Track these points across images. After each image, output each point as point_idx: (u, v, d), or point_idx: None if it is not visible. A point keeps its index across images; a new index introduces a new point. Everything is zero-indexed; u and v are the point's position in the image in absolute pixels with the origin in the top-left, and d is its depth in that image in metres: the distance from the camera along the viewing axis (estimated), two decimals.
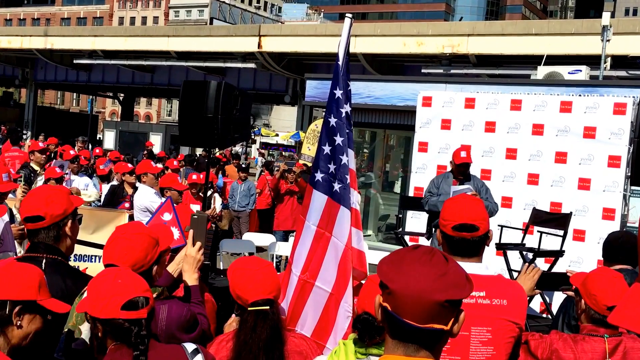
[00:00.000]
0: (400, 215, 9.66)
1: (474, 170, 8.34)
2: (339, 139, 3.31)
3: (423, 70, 23.55)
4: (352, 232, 3.28)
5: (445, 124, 9.57)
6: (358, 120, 12.73)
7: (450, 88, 10.86)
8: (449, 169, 7.94)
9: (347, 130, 3.42)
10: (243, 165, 14.34)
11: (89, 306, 2.24)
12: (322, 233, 3.27)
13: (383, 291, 1.66)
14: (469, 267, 2.77)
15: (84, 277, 2.84)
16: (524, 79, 15.55)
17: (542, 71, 12.36)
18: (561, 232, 7.91)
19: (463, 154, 7.49)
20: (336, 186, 3.26)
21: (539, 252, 7.85)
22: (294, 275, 3.30)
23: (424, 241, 8.11)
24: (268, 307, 2.73)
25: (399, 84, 12.21)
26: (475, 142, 9.28)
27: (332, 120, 3.37)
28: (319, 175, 3.34)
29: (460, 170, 7.46)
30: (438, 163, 9.47)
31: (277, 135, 45.26)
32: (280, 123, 59.99)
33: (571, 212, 8.05)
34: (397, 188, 14.90)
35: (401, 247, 9.41)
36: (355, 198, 3.38)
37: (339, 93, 3.39)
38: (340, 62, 3.43)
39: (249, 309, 2.74)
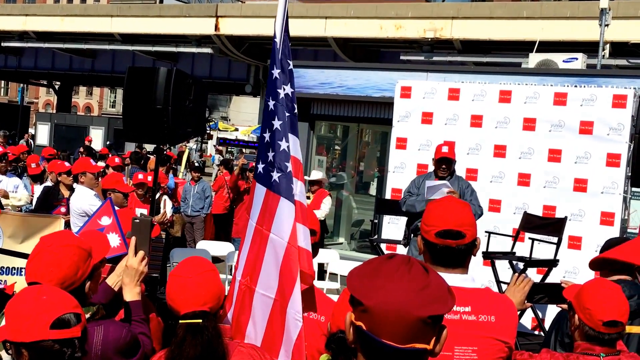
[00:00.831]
0: (376, 221, 9.68)
1: (459, 170, 8.39)
2: (277, 123, 3.32)
3: (402, 57, 23.66)
4: (299, 229, 3.27)
5: (427, 118, 9.62)
6: (328, 113, 12.75)
7: (432, 77, 10.92)
8: (430, 168, 7.99)
9: (289, 114, 3.43)
10: (197, 164, 14.24)
11: (10, 331, 2.16)
12: (260, 230, 3.27)
13: (355, 308, 1.64)
14: (454, 279, 2.77)
15: (2, 297, 2.77)
16: (514, 67, 15.72)
17: (534, 59, 12.50)
18: (555, 239, 8.01)
19: (444, 148, 7.54)
20: (275, 175, 3.26)
21: (530, 262, 7.93)
22: (237, 280, 3.30)
23: (402, 249, 8.14)
24: (200, 321, 2.70)
25: (375, 72, 12.25)
26: (460, 138, 9.35)
27: (271, 104, 3.38)
28: (260, 166, 3.35)
29: (441, 167, 7.51)
30: (418, 161, 9.52)
31: (236, 129, 45.09)
32: (241, 116, 59.83)
33: (566, 217, 8.16)
34: (373, 190, 14.94)
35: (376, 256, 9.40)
36: (300, 189, 3.38)
37: (276, 73, 3.40)
38: (277, 40, 3.43)
39: (180, 322, 2.72)
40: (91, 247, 2.82)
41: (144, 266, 3.21)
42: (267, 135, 3.37)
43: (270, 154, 3.30)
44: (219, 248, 10.49)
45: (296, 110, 3.56)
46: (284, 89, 3.46)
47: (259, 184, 3.35)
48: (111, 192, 7.41)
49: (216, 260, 10.84)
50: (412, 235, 7.61)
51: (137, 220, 3.33)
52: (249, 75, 31.04)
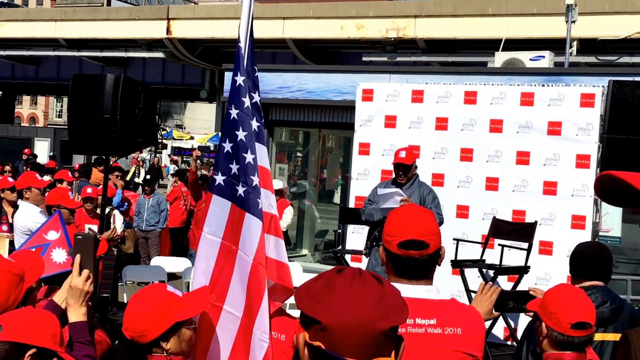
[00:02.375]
0: (340, 231, 9.70)
1: (424, 175, 8.44)
2: (241, 134, 3.32)
3: (364, 59, 23.78)
4: (270, 241, 3.27)
5: (390, 122, 9.68)
6: (288, 119, 12.75)
7: (394, 79, 10.99)
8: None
9: (258, 124, 3.42)
10: (148, 177, 14.10)
11: None
12: (229, 247, 3.26)
13: (309, 327, 1.64)
14: (418, 290, 2.79)
15: None
16: (480, 67, 15.91)
17: (500, 58, 12.65)
18: (526, 245, 8.10)
19: (402, 154, 7.59)
20: (240, 190, 3.25)
21: (500, 269, 8.01)
22: None
23: (365, 260, 8.15)
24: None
25: (336, 74, 12.29)
26: (425, 142, 9.42)
27: (234, 112, 3.37)
28: (219, 178, 3.33)
29: (398, 173, 7.55)
30: (382, 167, 9.56)
31: (192, 138, 44.82)
32: (196, 123, 59.49)
33: (536, 222, 8.26)
34: (337, 198, 14.98)
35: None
36: (271, 201, 3.38)
37: (240, 80, 3.39)
38: (241, 44, 3.43)
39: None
40: (24, 270, 2.78)
41: (89, 285, 3.18)
42: (227, 146, 3.35)
43: (234, 167, 3.29)
44: (175, 264, 10.42)
45: (262, 121, 3.56)
46: (252, 97, 3.45)
47: (218, 196, 3.33)
48: (55, 209, 7.28)
49: (172, 276, 10.75)
50: (373, 245, 7.64)
51: (80, 237, 3.28)
52: (204, 80, 30.92)
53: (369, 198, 7.84)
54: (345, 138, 14.26)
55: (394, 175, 7.85)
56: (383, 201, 7.20)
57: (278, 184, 11.20)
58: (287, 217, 11.09)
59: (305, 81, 12.35)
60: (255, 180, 3.24)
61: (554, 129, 8.80)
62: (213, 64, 28.31)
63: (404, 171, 7.56)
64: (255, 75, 3.55)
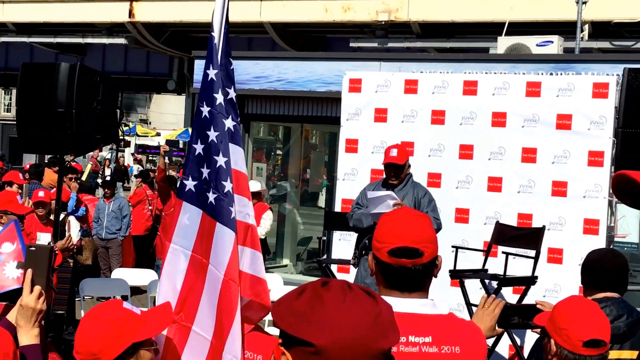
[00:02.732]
0: (325, 238, 9.70)
1: (419, 175, 8.46)
2: (212, 134, 3.31)
3: (352, 45, 23.80)
4: (245, 254, 3.26)
5: (380, 115, 9.69)
6: (266, 112, 12.73)
7: (386, 67, 11.00)
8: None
9: (234, 122, 3.41)
10: (108, 178, 14.05)
11: None
12: (200, 260, 3.25)
13: (293, 348, 1.62)
14: (411, 304, 2.79)
15: None
16: (481, 53, 15.96)
17: (503, 43, 12.68)
18: (533, 253, 8.12)
19: (393, 152, 7.59)
20: (211, 197, 3.25)
21: (505, 280, 8.03)
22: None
23: (353, 271, 8.15)
24: None
25: (320, 62, 12.28)
26: (420, 138, 9.44)
27: (205, 110, 3.35)
28: (190, 183, 3.32)
29: (389, 173, 7.55)
30: (372, 166, 9.57)
31: (158, 134, 44.65)
32: (163, 118, 59.32)
33: (544, 226, 8.28)
34: (322, 201, 14.96)
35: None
36: (247, 210, 3.37)
37: (212, 74, 3.38)
38: (215, 34, 3.41)
39: None
40: None
41: (41, 303, 3.15)
42: (198, 147, 3.34)
43: (205, 171, 3.27)
44: (139, 276, 10.37)
45: (238, 118, 3.55)
46: (226, 93, 3.44)
47: (188, 203, 3.32)
48: (2, 215, 7.21)
49: (137, 290, 10.72)
50: (362, 254, 7.64)
51: (33, 249, 3.25)
52: (172, 69, 30.83)
53: (357, 201, 7.84)
54: (330, 134, 14.24)
55: (384, 176, 7.85)
56: (373, 205, 7.21)
57: (255, 185, 11.18)
58: (266, 222, 11.08)
59: (286, 70, 12.33)
60: (228, 186, 3.23)
61: (564, 122, 8.84)
62: (182, 51, 28.21)
63: (395, 172, 7.57)
64: (231, 68, 3.54)
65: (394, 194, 7.27)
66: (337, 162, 10.20)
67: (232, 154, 3.39)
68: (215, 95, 3.36)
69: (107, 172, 24.80)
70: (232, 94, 3.47)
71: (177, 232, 3.35)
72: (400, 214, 2.94)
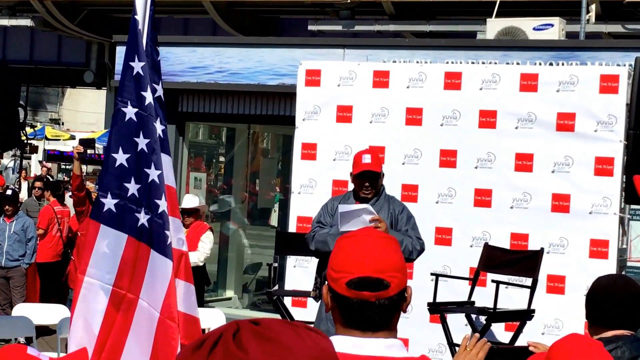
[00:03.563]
0: (276, 264, 9.67)
1: (391, 187, 8.45)
2: (142, 142, 3.28)
3: (310, 28, 23.80)
4: (179, 289, 3.23)
5: (344, 114, 9.70)
6: (204, 111, 12.68)
7: (351, 55, 11.00)
8: (351, 186, 8.01)
9: (163, 127, 3.39)
10: (9, 192, 13.82)
11: None
12: (123, 295, 3.21)
13: None
14: (375, 345, 2.78)
15: None
16: (466, 39, 16.03)
17: (493, 27, 12.74)
18: (529, 281, 8.15)
19: (366, 158, 7.56)
20: (142, 218, 3.21)
21: (495, 314, 8.06)
22: None
23: (313, 305, 8.13)
24: None
25: (271, 49, 12.27)
26: (392, 142, 9.46)
27: (130, 111, 3.33)
28: (108, 202, 3.28)
29: (363, 184, 7.53)
30: (334, 177, 9.56)
31: (72, 137, 44.24)
32: (79, 117, 58.88)
33: (542, 249, 8.34)
34: (274, 219, 14.91)
35: (278, 315, 9.40)
36: (179, 233, 3.34)
37: (138, 67, 3.35)
38: (138, 16, 3.39)
39: None
40: None
41: None
42: (121, 157, 3.30)
43: (132, 186, 3.24)
44: (47, 313, 10.22)
45: (166, 121, 3.52)
46: (154, 90, 3.41)
47: (107, 227, 3.27)
48: None
49: (44, 331, 10.58)
50: (326, 283, 7.60)
51: None
52: (89, 57, 30.63)
53: (319, 219, 7.79)
54: (284, 137, 14.22)
55: (351, 188, 7.82)
56: (346, 221, 7.15)
57: (192, 200, 11.12)
58: (205, 246, 11.00)
59: (229, 59, 12.29)
60: (162, 205, 3.21)
61: (565, 122, 8.90)
62: (101, 35, 28.02)
63: (371, 182, 7.55)
64: (158, 58, 3.52)
65: (371, 208, 7.25)
66: (291, 172, 10.17)
67: (164, 165, 3.37)
68: (143, 93, 3.33)
69: (24, 185, 24.39)
70: (159, 90, 3.45)
71: (94, 263, 3.31)
72: (360, 236, 2.93)
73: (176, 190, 3.56)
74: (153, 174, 3.23)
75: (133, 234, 3.22)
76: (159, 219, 3.18)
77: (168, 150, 3.50)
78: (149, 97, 3.33)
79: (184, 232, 3.49)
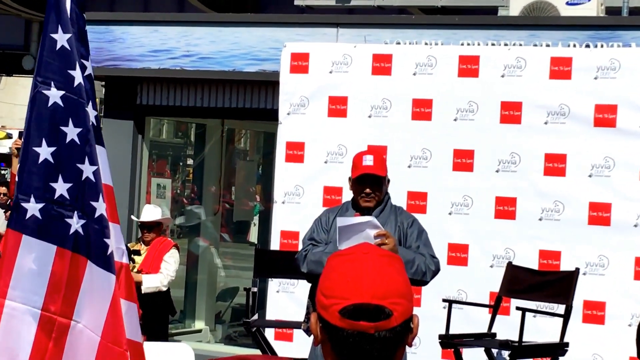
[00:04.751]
0: (255, 289, 9.64)
1: (396, 195, 8.44)
2: (72, 131, 3.26)
3: (297, 3, 23.81)
4: (121, 308, 3.22)
5: (337, 107, 9.71)
6: (168, 103, 12.67)
7: (346, 36, 10.97)
8: (347, 195, 7.99)
9: (95, 112, 3.38)
10: None
11: None
12: (54, 320, 3.20)
13: None
14: None
15: None
16: (485, 16, 16.02)
17: (518, 2, 12.78)
18: (561, 309, 8.14)
19: (368, 159, 7.52)
20: (75, 224, 3.19)
21: (521, 349, 8.05)
22: None
23: (299, 338, 8.10)
24: None
25: (249, 28, 12.25)
26: (395, 141, 9.48)
27: (55, 95, 3.31)
28: (31, 206, 3.26)
29: (363, 191, 7.52)
30: (326, 183, 9.57)
31: (9, 136, 44.19)
32: (17, 111, 58.66)
33: (577, 270, 8.33)
34: (253, 235, 14.89)
35: (258, 351, 9.36)
36: (119, 242, 3.33)
37: (64, 39, 3.33)
38: None
39: None
40: None
41: None
42: (45, 151, 3.28)
43: (61, 186, 3.22)
44: None
45: (97, 105, 3.50)
46: (84, 68, 3.39)
47: (32, 237, 3.25)
48: None
49: None
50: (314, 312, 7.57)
51: None
52: (29, 39, 30.61)
53: (312, 235, 7.77)
54: (265, 135, 14.22)
55: (346, 198, 7.82)
56: (345, 238, 7.12)
57: (154, 212, 11.10)
58: (170, 267, 10.97)
59: (198, 40, 12.28)
60: (100, 207, 3.20)
61: (605, 117, 8.92)
62: (43, 11, 28.05)
63: (374, 187, 7.53)
64: (84, 29, 3.50)
65: (376, 221, 7.22)
66: (274, 177, 10.16)
67: (99, 160, 3.35)
68: (71, 72, 3.32)
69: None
70: (89, 67, 3.43)
71: (16, 282, 3.29)
72: (357, 253, 2.91)
73: (113, 189, 3.53)
74: (87, 170, 3.23)
75: (65, 244, 3.20)
76: (96, 225, 3.16)
77: (102, 140, 3.48)
78: (78, 76, 3.32)
79: (123, 240, 3.46)
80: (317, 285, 7.68)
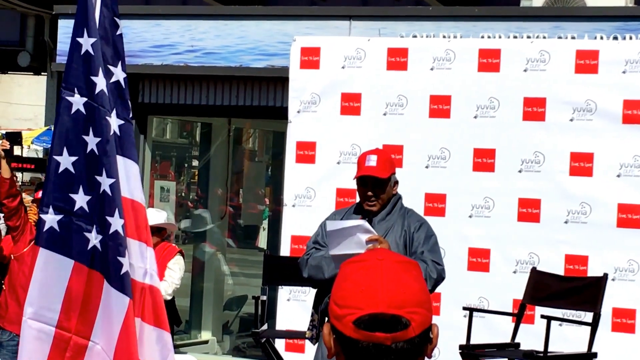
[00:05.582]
0: (265, 298, 9.65)
1: (411, 196, 8.42)
2: (92, 141, 3.25)
3: None
4: (144, 334, 3.21)
5: (350, 104, 9.70)
6: (172, 102, 12.68)
7: (358, 28, 10.98)
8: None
9: (122, 121, 3.37)
10: None
11: None
12: (68, 339, 3.19)
13: None
14: None
15: None
16: (506, 7, 16.02)
17: None
18: (589, 316, 8.12)
19: (371, 160, 7.51)
20: (93, 239, 3.18)
21: (545, 359, 8.03)
22: None
23: (310, 349, 8.10)
24: None
25: (256, 22, 12.27)
26: (412, 140, 9.48)
27: (77, 101, 3.31)
28: (50, 218, 3.26)
29: (365, 193, 7.51)
30: (338, 185, 9.56)
31: (3, 136, 44.43)
32: (13, 111, 58.90)
33: (606, 275, 8.28)
34: (262, 239, 14.90)
35: None
36: (146, 263, 3.32)
37: (88, 44, 3.33)
38: None
39: None
40: None
41: None
42: (66, 161, 3.28)
43: (81, 198, 3.22)
44: None
45: (131, 114, 3.49)
46: (109, 74, 3.38)
47: (49, 251, 3.25)
48: None
49: None
50: (325, 321, 7.58)
51: None
52: (25, 35, 30.70)
53: (316, 239, 7.79)
54: (275, 134, 14.23)
55: (358, 199, 7.82)
56: (336, 243, 7.14)
57: (157, 216, 11.09)
58: (174, 275, 10.98)
59: (203, 35, 12.31)
60: (116, 223, 3.18)
61: (634, 113, 8.91)
62: (40, 5, 28.13)
63: (375, 190, 7.53)
64: (117, 33, 3.50)
65: (368, 225, 7.21)
66: (284, 179, 10.16)
67: (122, 172, 3.33)
68: (93, 78, 3.31)
69: None
70: (119, 74, 3.43)
71: (32, 298, 3.28)
72: (371, 260, 2.89)
73: (145, 206, 3.52)
74: (104, 182, 3.21)
75: (82, 260, 3.20)
76: (110, 241, 3.14)
77: (134, 154, 3.47)
78: (100, 83, 3.31)
79: (154, 262, 3.43)
80: (322, 292, 7.70)
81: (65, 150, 3.27)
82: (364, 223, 7.16)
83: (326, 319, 7.50)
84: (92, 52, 3.32)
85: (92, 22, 3.33)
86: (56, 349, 3.22)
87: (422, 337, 2.81)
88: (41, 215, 3.29)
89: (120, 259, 3.13)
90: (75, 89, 3.32)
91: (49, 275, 3.24)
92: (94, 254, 3.16)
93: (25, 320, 3.31)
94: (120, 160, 3.31)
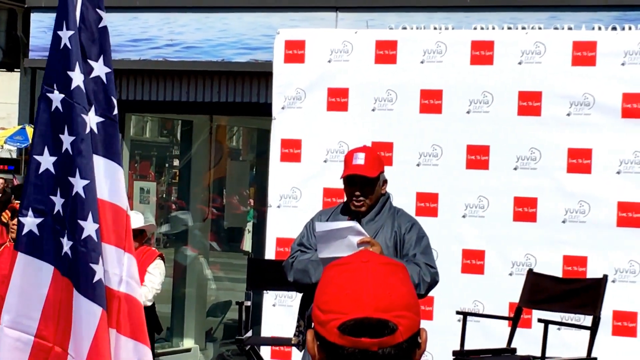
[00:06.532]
0: (250, 303, 9.65)
1: (402, 196, 8.43)
2: (67, 140, 3.25)
3: None
4: (120, 346, 3.22)
5: (337, 99, 9.72)
6: (150, 98, 12.67)
7: (345, 20, 10.99)
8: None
9: (101, 119, 3.36)
10: None
11: None
12: (49, 348, 3.20)
13: None
14: None
15: None
16: None
17: None
18: (588, 320, 8.13)
19: (358, 158, 7.51)
20: (65, 245, 3.18)
21: None
22: None
23: (297, 356, 8.10)
24: None
25: (238, 14, 12.26)
26: (402, 136, 9.49)
27: (56, 98, 3.31)
28: (29, 221, 3.26)
29: (352, 193, 7.51)
30: (325, 184, 9.56)
31: None
32: None
33: (606, 277, 8.31)
34: (247, 242, 14.88)
35: None
36: (130, 271, 3.32)
37: (66, 37, 3.33)
38: None
39: None
40: None
41: None
42: (47, 161, 3.28)
43: (58, 200, 3.21)
44: None
45: (116, 111, 3.48)
46: (91, 69, 3.38)
47: (28, 255, 3.24)
48: None
49: None
50: (311, 327, 7.56)
51: None
52: None
53: (301, 240, 7.79)
54: (258, 131, 14.23)
55: (345, 199, 7.82)
56: (325, 245, 7.14)
57: (136, 219, 11.10)
58: (154, 279, 10.98)
59: (183, 28, 12.31)
60: (89, 228, 3.17)
61: (634, 107, 8.92)
62: None
63: (363, 189, 7.54)
64: (100, 26, 3.49)
65: (359, 226, 7.22)
66: (268, 179, 10.17)
67: (98, 174, 3.33)
68: (70, 73, 3.31)
69: None
70: (99, 69, 3.42)
71: (9, 305, 3.28)
72: (356, 262, 2.90)
73: (126, 211, 3.51)
74: (78, 184, 3.19)
75: (59, 266, 3.19)
76: (82, 247, 3.13)
77: (117, 155, 3.46)
78: (76, 78, 3.30)
79: (133, 269, 3.42)
80: (309, 296, 7.71)
81: (46, 149, 3.26)
82: (355, 224, 7.17)
83: (312, 324, 7.52)
84: (70, 46, 3.31)
85: (71, 14, 3.32)
86: (35, 358, 3.22)
87: (410, 342, 2.82)
88: (20, 219, 3.28)
89: (92, 265, 3.11)
90: (55, 84, 3.31)
91: (28, 282, 3.23)
92: (65, 261, 3.15)
93: (2, 328, 3.30)
94: (100, 161, 3.30)
